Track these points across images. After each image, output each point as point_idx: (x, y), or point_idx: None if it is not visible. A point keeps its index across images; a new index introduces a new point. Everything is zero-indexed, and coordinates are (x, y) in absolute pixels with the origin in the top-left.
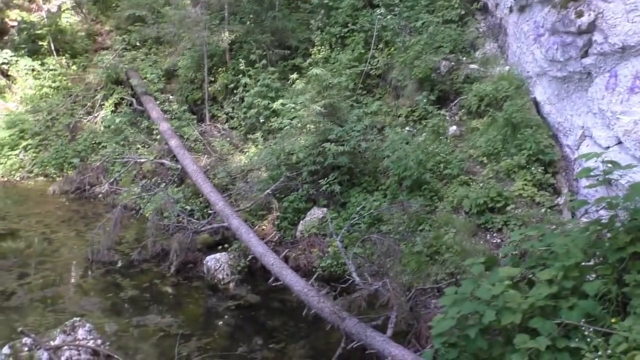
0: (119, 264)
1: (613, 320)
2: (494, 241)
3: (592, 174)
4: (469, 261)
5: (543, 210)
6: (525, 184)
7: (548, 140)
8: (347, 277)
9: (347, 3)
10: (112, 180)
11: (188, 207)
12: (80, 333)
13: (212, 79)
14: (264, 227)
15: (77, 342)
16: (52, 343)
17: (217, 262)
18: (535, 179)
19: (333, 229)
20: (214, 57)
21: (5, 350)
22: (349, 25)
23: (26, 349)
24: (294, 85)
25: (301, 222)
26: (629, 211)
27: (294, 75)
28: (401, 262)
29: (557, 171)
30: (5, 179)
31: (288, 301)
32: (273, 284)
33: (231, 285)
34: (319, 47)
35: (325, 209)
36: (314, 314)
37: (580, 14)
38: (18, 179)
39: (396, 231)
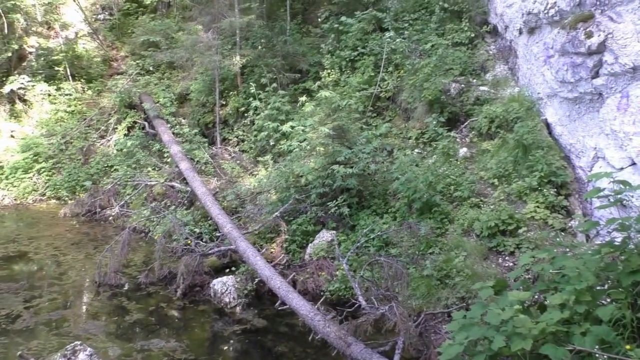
0: (126, 287)
1: (628, 347)
2: (506, 265)
3: (602, 194)
4: (478, 285)
5: (555, 233)
6: (538, 207)
7: (560, 162)
8: (354, 301)
9: (357, 27)
10: (122, 202)
11: (197, 230)
12: (81, 357)
13: (224, 103)
14: (272, 250)
15: None
16: None
17: (224, 286)
18: (547, 201)
19: (340, 252)
20: (225, 81)
21: None
22: (359, 48)
23: None
24: (303, 108)
25: (310, 245)
26: None
27: (304, 98)
28: (410, 286)
29: (569, 193)
30: (18, 201)
31: (295, 326)
32: (279, 308)
33: (238, 309)
34: (329, 71)
35: (334, 232)
36: (320, 339)
37: (589, 35)
38: (31, 201)
39: (405, 254)
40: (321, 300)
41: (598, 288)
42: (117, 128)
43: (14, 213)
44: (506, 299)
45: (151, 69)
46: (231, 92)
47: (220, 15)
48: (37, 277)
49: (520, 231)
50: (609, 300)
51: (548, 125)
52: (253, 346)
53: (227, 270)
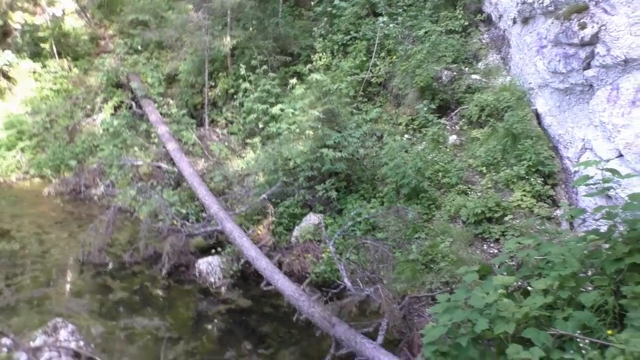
0: (110, 266)
1: (609, 332)
2: (491, 251)
3: (590, 181)
4: (463, 269)
5: (541, 220)
6: (524, 195)
7: (548, 152)
8: (340, 282)
9: (351, 11)
10: (108, 182)
11: (183, 211)
12: (62, 334)
13: (213, 84)
14: (258, 231)
15: (57, 344)
16: (32, 344)
17: (209, 266)
18: (534, 190)
19: (327, 235)
20: (215, 62)
21: None
22: (352, 33)
23: (5, 350)
24: (293, 91)
25: (296, 227)
26: (628, 222)
27: (294, 81)
28: (395, 270)
29: (556, 183)
30: (1, 179)
31: (280, 306)
32: (265, 289)
33: (223, 289)
34: (321, 54)
35: (321, 215)
36: (305, 319)
37: (583, 26)
38: (14, 180)
39: (392, 238)
40: (307, 281)
41: (582, 275)
42: (103, 107)
43: None
44: (490, 284)
45: (139, 48)
46: (221, 74)
47: None
48: (20, 255)
49: (506, 219)
50: (591, 287)
51: (538, 116)
52: (237, 326)
53: (213, 250)
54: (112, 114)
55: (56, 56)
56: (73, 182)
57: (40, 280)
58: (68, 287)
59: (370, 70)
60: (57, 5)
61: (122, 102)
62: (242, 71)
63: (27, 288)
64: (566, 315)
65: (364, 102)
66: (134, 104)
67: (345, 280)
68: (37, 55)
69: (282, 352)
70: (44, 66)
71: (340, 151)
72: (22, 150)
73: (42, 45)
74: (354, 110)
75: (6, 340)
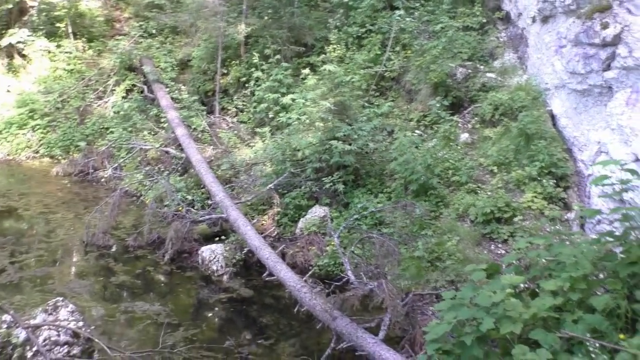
0: (114, 249)
1: (621, 336)
2: (499, 252)
3: (608, 182)
4: (470, 267)
5: (551, 222)
6: (535, 197)
7: (562, 154)
8: (343, 276)
9: (367, 3)
10: (116, 165)
11: (189, 197)
12: (62, 314)
13: (225, 72)
14: (263, 221)
15: (57, 323)
16: (31, 322)
17: (212, 253)
18: (545, 192)
19: (332, 228)
20: (228, 49)
21: None
22: (367, 25)
23: (4, 326)
24: (305, 81)
25: (302, 219)
26: None
27: (306, 71)
28: (400, 266)
29: (569, 186)
30: (11, 157)
31: (282, 298)
32: (267, 279)
33: (225, 277)
34: (335, 46)
35: (327, 208)
36: (306, 312)
37: (605, 26)
38: (24, 158)
39: (398, 234)
40: (309, 273)
41: (594, 278)
42: (115, 90)
43: (6, 168)
44: (498, 283)
45: (154, 32)
46: (233, 62)
47: None
48: (25, 233)
49: (515, 219)
50: (603, 290)
51: (553, 117)
52: (238, 315)
53: (217, 238)
54: (123, 97)
55: (71, 36)
56: (81, 163)
57: (45, 260)
58: (71, 267)
59: (384, 64)
60: None
61: (134, 85)
62: (255, 60)
63: (31, 266)
64: (576, 318)
65: (376, 96)
66: (145, 88)
67: (349, 273)
68: (52, 34)
69: (282, 343)
70: (59, 46)
71: (350, 144)
72: (33, 129)
73: (58, 24)
74: (366, 104)
75: (6, 317)
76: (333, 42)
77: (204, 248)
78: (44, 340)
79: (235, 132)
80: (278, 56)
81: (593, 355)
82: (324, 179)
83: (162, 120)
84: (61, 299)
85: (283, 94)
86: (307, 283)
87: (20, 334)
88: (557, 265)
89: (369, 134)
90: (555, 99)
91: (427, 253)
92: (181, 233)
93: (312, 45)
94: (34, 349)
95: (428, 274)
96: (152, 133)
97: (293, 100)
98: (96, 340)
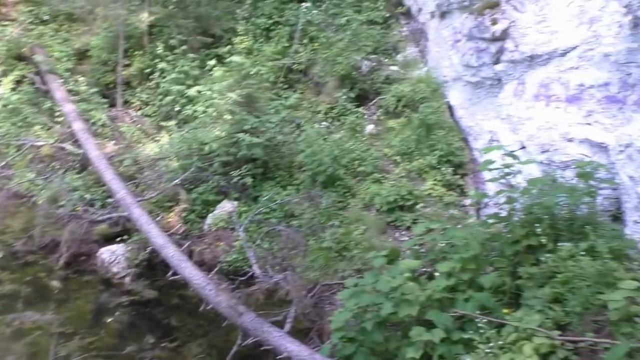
0: (0, 255)
1: (505, 311)
2: (403, 239)
3: (493, 166)
4: (372, 254)
5: (449, 208)
6: (435, 184)
7: (459, 143)
8: (250, 270)
9: None
10: (3, 163)
11: (87, 196)
12: None
13: (128, 63)
14: (169, 219)
15: None
16: None
17: (112, 255)
18: (444, 180)
19: (239, 222)
20: (130, 39)
21: None
22: (275, 17)
23: None
24: (212, 73)
25: (210, 215)
26: (525, 205)
27: (213, 62)
28: (308, 258)
29: (465, 173)
30: None
31: (188, 297)
32: (172, 278)
33: (127, 279)
34: (243, 37)
35: (235, 202)
36: (213, 310)
37: (495, 22)
38: None
39: (306, 225)
40: (215, 270)
41: (483, 258)
42: (2, 81)
43: None
44: (397, 268)
45: (47, 18)
46: (136, 52)
47: None
48: None
49: (417, 207)
50: (492, 269)
51: (451, 108)
52: (141, 318)
53: (119, 239)
54: (12, 89)
55: None
56: None
57: None
58: None
59: (292, 57)
60: None
61: (24, 76)
62: (160, 50)
63: None
64: (467, 297)
65: (284, 89)
66: (37, 79)
67: (255, 267)
68: None
69: (189, 344)
70: None
71: (258, 137)
72: None
73: None
74: (274, 96)
75: None
76: (241, 34)
77: (103, 249)
78: None
79: (139, 126)
80: (184, 47)
81: (482, 331)
82: (232, 172)
83: (57, 114)
84: None
85: (189, 86)
86: (214, 280)
87: None
88: (451, 248)
89: (277, 126)
90: (453, 91)
91: (334, 243)
92: (78, 234)
93: (219, 37)
94: None
95: (336, 264)
96: (46, 128)
97: (199, 92)
98: None
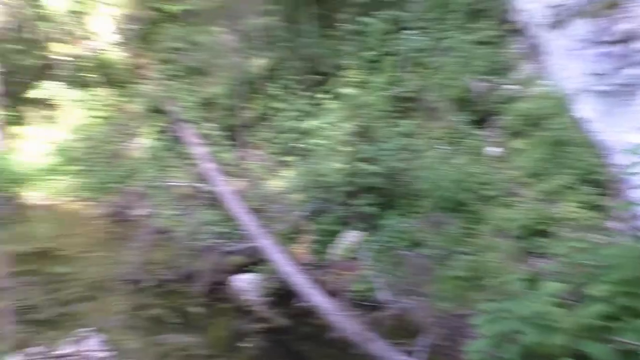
0: (147, 284)
1: None
2: (539, 265)
3: None
4: (510, 277)
5: (592, 230)
6: (573, 205)
7: (594, 160)
8: (379, 299)
9: (378, 27)
10: (149, 203)
11: (220, 229)
12: (91, 344)
13: (248, 106)
14: (296, 249)
15: (85, 353)
16: (58, 351)
17: (245, 284)
18: (583, 200)
19: (365, 251)
20: (249, 84)
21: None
22: (381, 49)
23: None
24: (326, 107)
25: (335, 244)
26: None
27: (325, 96)
28: (438, 285)
29: (606, 192)
30: (50, 201)
31: (318, 325)
32: (301, 306)
33: (259, 307)
34: (351, 71)
35: (359, 232)
36: (343, 338)
37: (621, 22)
38: (62, 201)
39: (433, 253)
40: (344, 298)
41: None
42: (144, 132)
43: (46, 212)
44: (541, 291)
45: (176, 74)
46: (255, 95)
47: (242, 17)
48: (60, 272)
49: (554, 231)
50: None
51: (580, 121)
52: (273, 345)
53: (250, 268)
54: (153, 139)
55: (100, 85)
56: (117, 204)
57: (77, 297)
58: (105, 303)
59: (401, 85)
60: (99, 38)
61: (161, 126)
62: (275, 91)
63: (64, 303)
64: (625, 325)
65: (397, 117)
66: (172, 128)
67: (384, 295)
68: (82, 84)
69: None
70: (90, 95)
71: (375, 165)
72: (71, 174)
73: (86, 74)
74: (388, 124)
75: (35, 349)
76: (348, 68)
77: (237, 278)
78: None
79: (262, 163)
80: (297, 86)
81: None
82: (354, 202)
83: (191, 157)
84: (91, 328)
85: (304, 121)
86: (342, 308)
87: None
88: (601, 269)
89: (394, 153)
90: (580, 103)
91: (465, 271)
92: (213, 265)
93: (328, 73)
94: None
95: (468, 294)
96: (182, 170)
97: (315, 126)
98: None
